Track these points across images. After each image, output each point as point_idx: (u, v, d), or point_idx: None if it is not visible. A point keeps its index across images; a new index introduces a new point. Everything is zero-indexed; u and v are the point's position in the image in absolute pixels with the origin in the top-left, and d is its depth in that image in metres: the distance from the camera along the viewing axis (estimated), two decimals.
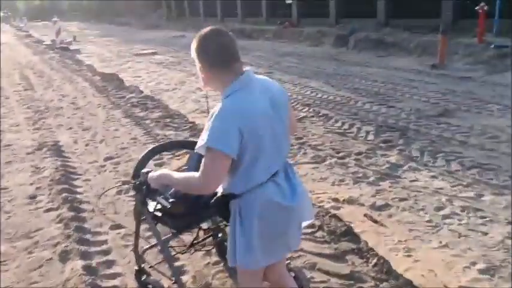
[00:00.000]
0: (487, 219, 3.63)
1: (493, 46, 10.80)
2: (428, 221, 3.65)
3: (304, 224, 2.07)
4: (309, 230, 3.33)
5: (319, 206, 3.77)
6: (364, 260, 2.92)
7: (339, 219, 3.51)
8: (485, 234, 3.40)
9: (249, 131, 1.75)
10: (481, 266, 2.96)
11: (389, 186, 4.35)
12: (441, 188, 4.24)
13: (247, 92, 1.81)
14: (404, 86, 8.68)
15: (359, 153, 5.24)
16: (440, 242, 3.32)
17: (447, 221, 3.65)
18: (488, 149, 5.17)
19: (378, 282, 2.69)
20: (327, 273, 2.84)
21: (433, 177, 4.52)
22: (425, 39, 12.69)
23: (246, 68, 1.90)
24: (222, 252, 2.94)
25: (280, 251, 2.02)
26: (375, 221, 3.68)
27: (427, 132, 5.88)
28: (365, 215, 3.78)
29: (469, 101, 7.33)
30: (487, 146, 5.28)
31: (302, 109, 7.36)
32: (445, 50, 10.58)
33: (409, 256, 3.15)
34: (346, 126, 6.32)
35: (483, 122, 6.15)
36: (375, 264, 2.85)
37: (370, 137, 5.83)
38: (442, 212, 3.79)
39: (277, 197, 1.88)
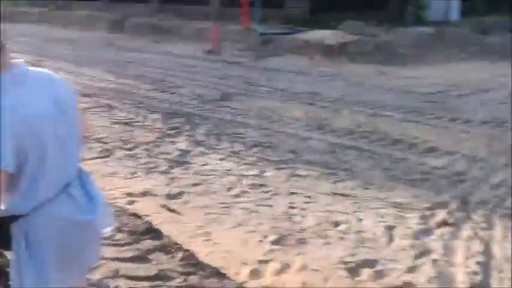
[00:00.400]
0: (272, 193, 3.99)
1: (258, 33, 11.92)
2: (221, 203, 3.81)
3: (105, 232, 1.87)
4: (107, 234, 3.10)
5: (114, 204, 3.55)
6: (170, 255, 2.88)
7: (138, 216, 3.38)
8: (271, 207, 3.74)
9: (27, 137, 1.45)
10: (272, 237, 3.24)
11: (182, 173, 4.39)
12: (229, 169, 4.48)
13: (21, 89, 1.49)
14: (184, 72, 8.88)
15: (148, 143, 5.14)
16: (235, 222, 3.51)
17: (238, 199, 3.88)
18: (265, 128, 5.69)
19: (186, 277, 2.68)
20: (132, 278, 2.69)
21: (221, 159, 4.75)
22: (199, 26, 13.21)
23: (16, 60, 1.58)
24: (4, 282, 2.47)
25: (78, 271, 1.76)
26: (172, 211, 3.67)
27: (210, 116, 6.14)
28: (162, 206, 3.73)
29: (243, 85, 7.94)
30: (263, 125, 5.81)
31: (81, 100, 6.82)
32: (218, 37, 11.21)
33: (208, 240, 3.23)
34: (132, 116, 6.13)
35: (258, 104, 6.73)
36: (181, 258, 2.84)
37: (158, 124, 5.79)
38: (232, 192, 4.01)
39: (72, 212, 1.61)
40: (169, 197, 3.90)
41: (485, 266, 2.85)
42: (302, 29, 11.98)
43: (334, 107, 6.56)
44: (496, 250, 3.02)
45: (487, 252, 3.01)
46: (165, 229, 3.29)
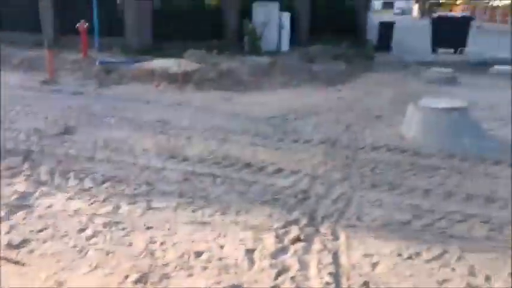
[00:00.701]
0: (128, 229, 3.83)
1: (98, 62, 11.45)
2: (74, 247, 3.55)
3: None
4: None
5: None
6: None
7: None
8: (130, 244, 3.59)
9: None
10: (133, 277, 3.10)
11: (24, 218, 3.97)
12: (79, 209, 4.19)
13: None
14: (17, 105, 8.04)
15: None
16: (90, 265, 3.28)
17: (92, 241, 3.64)
18: (115, 161, 5.46)
19: None
20: None
21: (69, 198, 4.41)
22: (30, 54, 12.18)
23: None
24: None
25: None
26: (16, 262, 3.28)
27: (52, 152, 5.67)
28: (2, 259, 3.30)
29: (87, 116, 7.51)
30: (113, 158, 5.56)
31: None
32: (54, 66, 10.47)
33: None
34: None
35: (105, 136, 6.43)
36: None
37: None
38: (85, 234, 3.75)
39: None
40: (11, 247, 3.49)
41: (336, 276, 3.14)
42: (145, 57, 11.89)
43: (185, 134, 6.61)
44: (343, 259, 3.37)
45: (335, 262, 3.33)
46: (9, 285, 2.92)
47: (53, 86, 9.88)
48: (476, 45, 16.46)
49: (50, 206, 4.22)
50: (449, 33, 15.57)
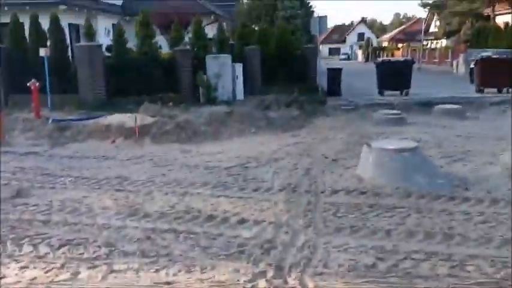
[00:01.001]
0: None
1: (51, 120, 11.21)
2: None
3: None
4: None
5: None
6: None
7: None
8: None
9: None
10: None
11: None
12: (35, 278, 3.97)
13: None
14: None
15: None
16: None
17: None
18: (72, 223, 5.26)
19: None
20: None
21: (23, 267, 4.18)
22: None
23: None
24: None
25: None
26: None
27: (4, 218, 5.40)
28: None
29: (40, 177, 7.27)
30: (69, 220, 5.36)
31: None
32: (4, 126, 10.16)
33: None
34: None
35: (60, 197, 6.21)
36: None
37: None
38: None
39: None
40: None
41: None
42: (100, 113, 11.77)
43: (145, 190, 6.49)
44: None
45: None
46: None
47: (2, 148, 9.53)
48: (418, 87, 17.37)
49: (2, 278, 3.98)
50: (394, 76, 16.40)
